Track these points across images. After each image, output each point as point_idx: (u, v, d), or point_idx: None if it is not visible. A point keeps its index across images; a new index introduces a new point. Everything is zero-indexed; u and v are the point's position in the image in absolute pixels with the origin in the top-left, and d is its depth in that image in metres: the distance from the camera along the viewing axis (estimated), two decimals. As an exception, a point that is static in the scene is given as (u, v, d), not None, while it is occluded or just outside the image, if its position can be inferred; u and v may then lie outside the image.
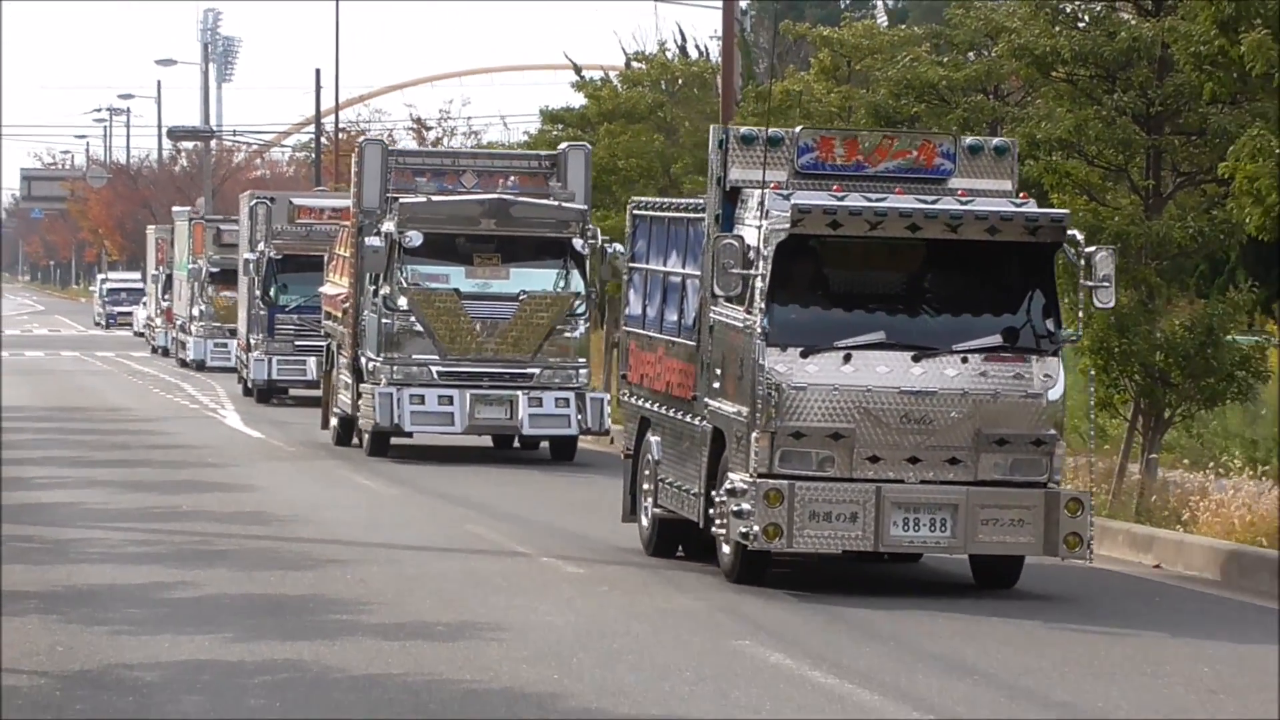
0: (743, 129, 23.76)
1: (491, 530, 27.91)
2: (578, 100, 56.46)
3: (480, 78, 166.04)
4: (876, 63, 36.83)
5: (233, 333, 60.98)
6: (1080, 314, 22.37)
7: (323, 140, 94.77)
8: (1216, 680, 18.10)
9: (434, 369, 35.46)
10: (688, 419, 23.96)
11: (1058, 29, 28.14)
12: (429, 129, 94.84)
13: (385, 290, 36.03)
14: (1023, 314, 22.35)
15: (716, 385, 22.96)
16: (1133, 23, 28.04)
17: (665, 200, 26.32)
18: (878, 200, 22.07)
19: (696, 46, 70.51)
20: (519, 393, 35.42)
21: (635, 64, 57.57)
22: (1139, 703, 17.00)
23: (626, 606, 21.41)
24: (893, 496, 21.68)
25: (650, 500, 25.22)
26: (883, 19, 63.68)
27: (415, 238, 35.34)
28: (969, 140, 23.93)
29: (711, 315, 23.08)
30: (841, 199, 21.88)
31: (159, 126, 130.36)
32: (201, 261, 67.54)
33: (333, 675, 17.16)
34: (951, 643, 19.26)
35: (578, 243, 36.04)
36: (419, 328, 35.67)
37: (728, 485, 22.01)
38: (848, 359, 21.80)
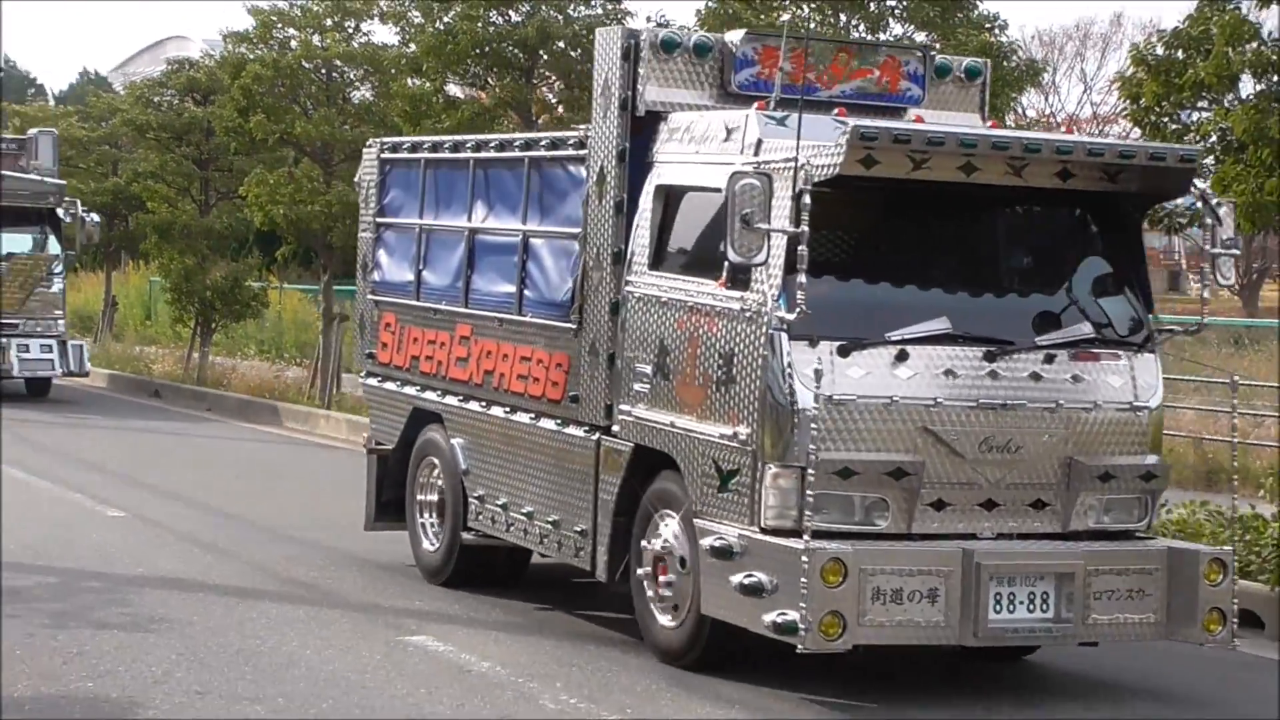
0: (662, 31, 12.06)
1: None
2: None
3: None
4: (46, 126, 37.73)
5: None
6: (1204, 293, 11.90)
7: None
8: None
9: None
10: (548, 425, 12.55)
11: (149, 110, 34.20)
12: None
13: (-118, 251, 28.68)
14: (1110, 294, 11.32)
15: (644, 387, 11.49)
16: (192, 107, 34.20)
17: (455, 138, 14.65)
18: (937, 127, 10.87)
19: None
20: (8, 340, 29.25)
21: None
22: None
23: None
24: (988, 563, 10.51)
25: (450, 519, 13.74)
26: (53, 101, 69.55)
27: None
28: (938, 59, 12.78)
29: (630, 288, 11.66)
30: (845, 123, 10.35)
31: None
32: None
33: None
34: None
35: (60, 211, 30.14)
36: None
37: (713, 540, 10.64)
38: (902, 358, 10.67)
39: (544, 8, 26.20)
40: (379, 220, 14.87)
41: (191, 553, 14.95)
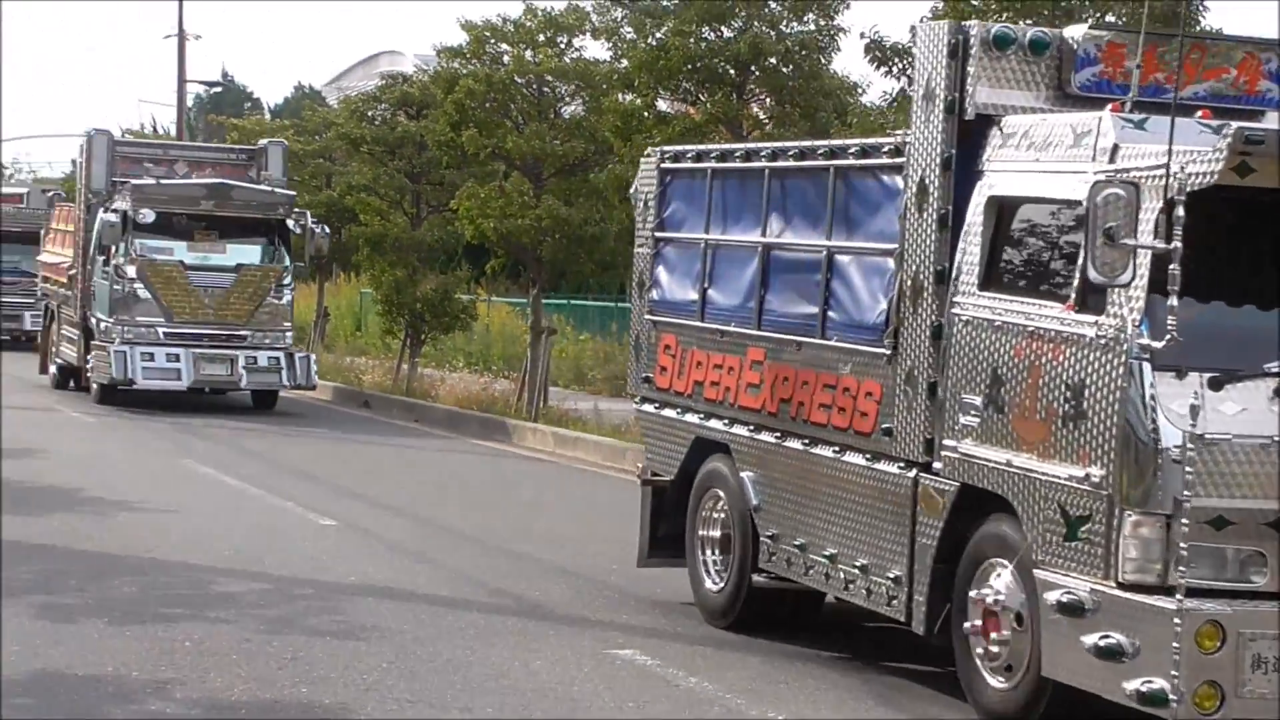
0: (994, 27, 10.68)
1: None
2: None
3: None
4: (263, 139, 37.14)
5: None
6: None
7: None
8: None
9: (161, 330, 28.07)
10: (855, 460, 11.14)
11: (362, 124, 34.04)
12: None
13: (117, 260, 28.10)
14: None
15: (973, 421, 10.10)
16: (405, 121, 33.73)
17: (746, 146, 13.25)
18: None
19: (164, 128, 75.64)
20: (237, 352, 28.22)
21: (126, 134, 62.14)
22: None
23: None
24: (1378, 629, 8.89)
25: (738, 558, 12.34)
26: (269, 115, 69.75)
27: (148, 215, 27.99)
28: (1296, 55, 11.03)
29: (956, 311, 10.27)
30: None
31: None
32: None
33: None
34: None
35: (290, 222, 28.89)
36: (147, 294, 28.09)
37: (1060, 595, 9.22)
38: None
39: (756, 24, 25.51)
40: (658, 235, 13.53)
41: (401, 562, 14.79)
